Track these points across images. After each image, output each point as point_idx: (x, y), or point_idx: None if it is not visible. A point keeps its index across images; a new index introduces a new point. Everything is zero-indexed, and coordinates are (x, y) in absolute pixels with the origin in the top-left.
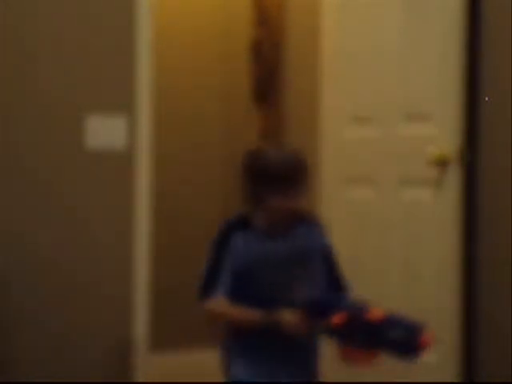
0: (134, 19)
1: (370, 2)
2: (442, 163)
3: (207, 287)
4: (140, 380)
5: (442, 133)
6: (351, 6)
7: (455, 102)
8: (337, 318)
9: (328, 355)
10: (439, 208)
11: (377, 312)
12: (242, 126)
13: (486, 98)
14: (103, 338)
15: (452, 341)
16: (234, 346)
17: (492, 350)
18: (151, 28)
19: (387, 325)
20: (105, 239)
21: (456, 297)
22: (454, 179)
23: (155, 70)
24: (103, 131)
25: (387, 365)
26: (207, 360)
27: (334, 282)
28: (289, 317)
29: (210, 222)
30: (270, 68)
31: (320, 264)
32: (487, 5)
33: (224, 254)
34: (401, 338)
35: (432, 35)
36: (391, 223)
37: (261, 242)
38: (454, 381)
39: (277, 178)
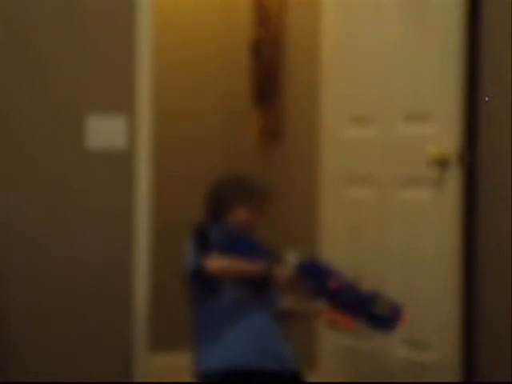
0: (134, 19)
1: (370, 2)
2: (442, 163)
3: (197, 258)
4: (140, 380)
5: (441, 133)
6: (351, 5)
7: (455, 101)
8: (334, 284)
9: (328, 355)
10: (439, 208)
11: (366, 286)
12: (241, 126)
13: (486, 98)
14: (103, 337)
15: (452, 341)
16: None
17: (492, 351)
18: (151, 28)
19: (375, 299)
20: (104, 239)
21: (456, 297)
22: (453, 179)
23: (155, 69)
24: (103, 131)
25: (387, 365)
26: None
27: None
28: (283, 271)
29: None
30: (270, 67)
31: None
32: (487, 5)
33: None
34: (384, 314)
35: (432, 35)
36: (391, 223)
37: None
38: (454, 381)
39: (233, 196)
